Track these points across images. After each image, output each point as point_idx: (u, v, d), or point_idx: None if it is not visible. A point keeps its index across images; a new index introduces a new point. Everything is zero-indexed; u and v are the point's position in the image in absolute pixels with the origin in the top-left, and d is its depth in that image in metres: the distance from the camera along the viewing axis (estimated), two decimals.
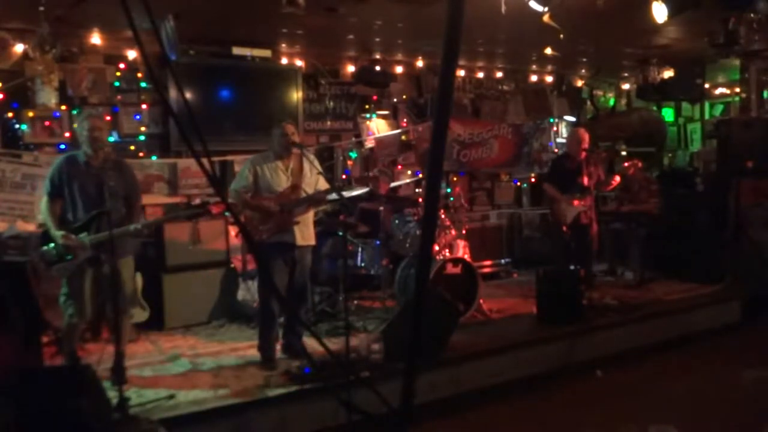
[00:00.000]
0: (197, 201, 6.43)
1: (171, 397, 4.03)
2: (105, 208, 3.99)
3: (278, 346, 4.81)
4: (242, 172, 4.74)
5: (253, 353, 4.79)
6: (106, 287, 4.14)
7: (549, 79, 9.45)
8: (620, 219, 7.66)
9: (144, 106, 6.52)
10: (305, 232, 4.70)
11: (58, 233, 4.05)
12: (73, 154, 4.38)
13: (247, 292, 6.04)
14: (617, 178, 6.59)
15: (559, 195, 6.46)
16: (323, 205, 4.86)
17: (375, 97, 7.99)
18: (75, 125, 4.36)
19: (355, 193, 6.57)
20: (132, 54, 6.33)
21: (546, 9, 4.84)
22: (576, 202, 6.35)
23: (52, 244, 4.09)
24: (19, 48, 5.75)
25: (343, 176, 7.67)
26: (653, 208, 7.38)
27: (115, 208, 4.14)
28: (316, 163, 4.77)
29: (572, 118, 9.49)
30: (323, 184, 4.76)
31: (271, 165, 4.66)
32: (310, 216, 4.78)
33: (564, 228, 6.41)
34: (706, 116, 10.38)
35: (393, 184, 7.81)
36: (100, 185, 4.06)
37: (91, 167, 4.19)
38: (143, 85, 6.48)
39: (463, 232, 6.41)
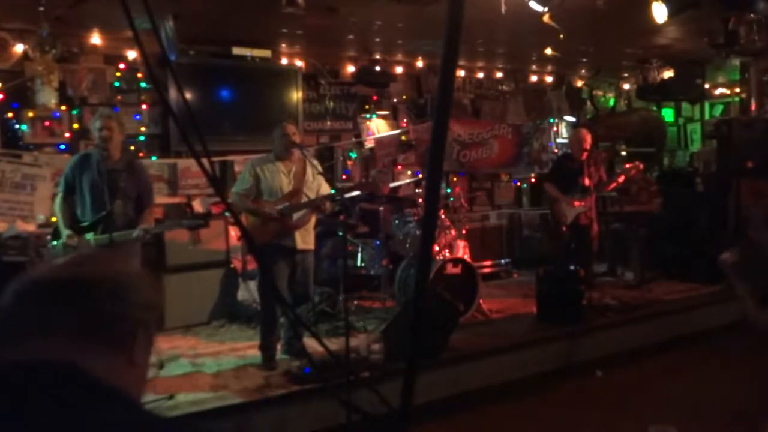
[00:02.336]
0: (198, 205, 6.41)
1: (171, 397, 4.03)
2: (113, 210, 3.99)
3: (278, 346, 4.81)
4: (243, 175, 4.73)
5: (253, 353, 4.79)
6: None
7: (549, 79, 9.45)
8: (620, 219, 7.66)
9: (144, 107, 6.52)
10: (306, 237, 4.69)
11: (65, 232, 4.07)
12: (88, 152, 4.40)
13: (247, 292, 6.04)
14: (621, 179, 6.58)
15: (560, 195, 6.46)
16: (327, 213, 4.85)
17: (375, 97, 7.99)
18: (92, 125, 4.37)
19: (354, 193, 6.57)
20: (132, 54, 6.33)
21: (546, 9, 4.83)
22: (576, 203, 6.36)
23: (60, 241, 4.11)
24: (19, 48, 5.74)
25: (343, 176, 7.67)
26: (657, 207, 7.38)
27: (123, 210, 4.14)
28: (318, 165, 4.74)
29: (572, 118, 9.50)
30: (325, 189, 4.73)
31: (272, 167, 4.64)
32: (311, 220, 4.78)
33: (564, 228, 6.41)
34: (706, 116, 10.38)
35: (393, 184, 7.81)
36: (112, 186, 4.06)
37: (103, 167, 4.19)
38: (143, 85, 6.47)
39: (463, 232, 6.41)
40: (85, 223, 4.13)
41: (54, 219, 4.58)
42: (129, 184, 4.16)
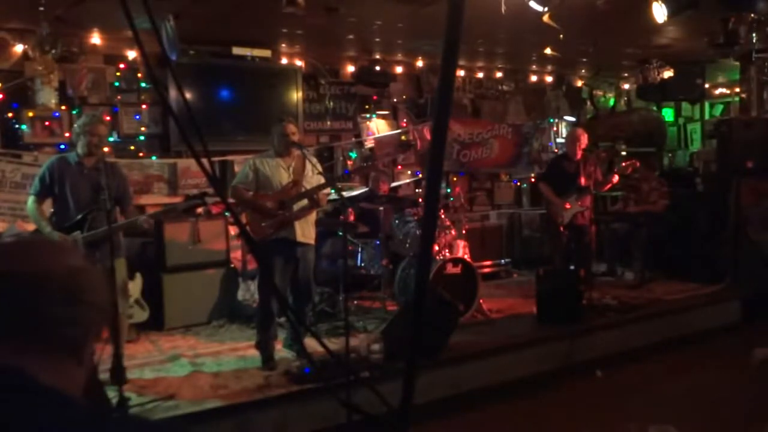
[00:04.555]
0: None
1: (171, 397, 4.03)
2: (98, 207, 3.99)
3: (278, 346, 4.81)
4: (243, 169, 4.74)
5: (253, 353, 4.79)
6: None
7: (549, 79, 9.45)
8: (621, 219, 7.66)
9: (144, 106, 6.52)
10: (306, 230, 4.69)
11: (53, 233, 4.05)
12: (63, 155, 4.39)
13: (247, 292, 6.04)
14: (615, 178, 6.59)
15: (553, 196, 6.46)
16: (323, 205, 4.87)
17: (375, 97, 7.99)
18: (75, 125, 4.35)
19: (355, 193, 6.57)
20: (132, 54, 6.33)
21: (546, 9, 4.83)
22: (568, 205, 6.36)
23: None
24: (19, 48, 5.75)
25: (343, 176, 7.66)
26: (662, 208, 7.37)
27: (106, 207, 4.13)
28: (318, 165, 4.75)
29: (572, 118, 9.50)
30: (317, 183, 4.75)
31: (272, 162, 4.66)
32: (312, 215, 4.79)
33: (561, 228, 6.41)
34: (706, 116, 10.38)
35: (393, 184, 7.80)
36: (94, 186, 4.06)
37: (83, 168, 4.19)
38: (143, 85, 6.47)
39: (463, 232, 6.41)
40: (70, 223, 4.12)
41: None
42: (110, 185, 4.14)
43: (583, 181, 6.32)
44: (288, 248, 4.61)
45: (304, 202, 4.62)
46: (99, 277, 0.98)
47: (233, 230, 6.21)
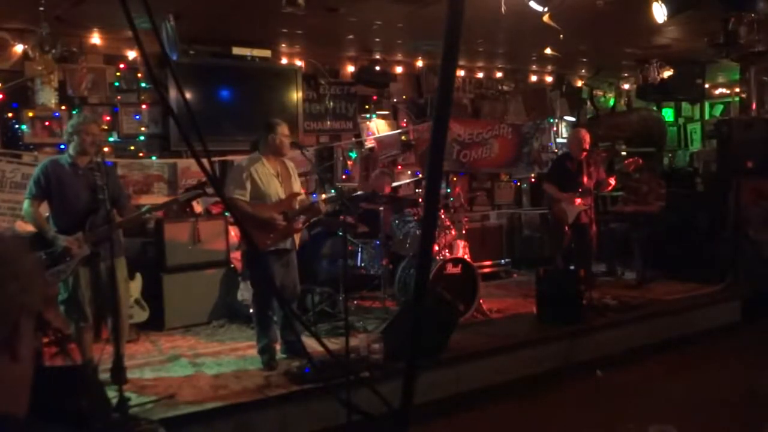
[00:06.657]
0: (197, 205, 6.40)
1: (171, 397, 4.03)
2: (97, 206, 3.99)
3: (277, 347, 4.81)
4: (236, 177, 4.58)
5: (253, 353, 4.80)
6: (104, 286, 4.15)
7: (549, 79, 9.45)
8: (621, 219, 7.66)
9: (144, 106, 6.52)
10: (295, 237, 4.79)
11: (59, 237, 4.04)
12: (55, 157, 4.38)
13: (247, 292, 6.03)
14: (612, 181, 6.60)
15: (560, 194, 6.46)
16: (323, 213, 4.93)
17: (375, 97, 7.99)
18: (69, 123, 4.33)
19: (356, 192, 6.57)
20: (132, 54, 6.33)
21: (546, 9, 4.83)
22: (578, 201, 6.36)
23: (53, 249, 4.05)
24: (19, 48, 5.74)
25: (343, 176, 7.67)
26: (656, 209, 7.37)
27: (104, 207, 4.13)
28: (295, 169, 4.85)
29: (572, 118, 9.49)
30: (298, 187, 4.84)
31: (264, 170, 4.62)
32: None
33: (566, 228, 6.41)
34: (706, 116, 10.38)
35: (393, 184, 7.80)
36: (90, 186, 4.06)
37: (78, 169, 4.19)
38: (143, 85, 6.47)
39: (463, 232, 6.41)
40: (69, 224, 4.12)
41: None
42: (105, 182, 4.12)
43: (585, 180, 6.32)
44: (282, 257, 4.67)
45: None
46: (20, 249, 0.81)
47: (233, 231, 6.21)
